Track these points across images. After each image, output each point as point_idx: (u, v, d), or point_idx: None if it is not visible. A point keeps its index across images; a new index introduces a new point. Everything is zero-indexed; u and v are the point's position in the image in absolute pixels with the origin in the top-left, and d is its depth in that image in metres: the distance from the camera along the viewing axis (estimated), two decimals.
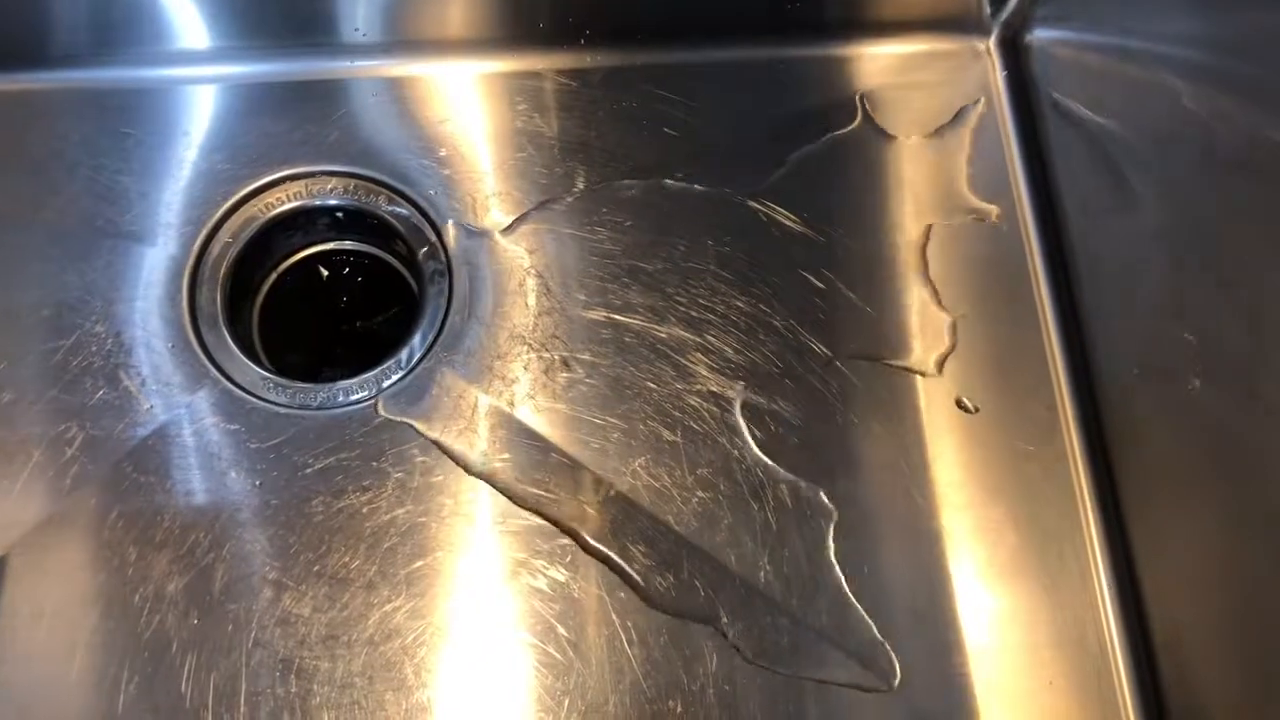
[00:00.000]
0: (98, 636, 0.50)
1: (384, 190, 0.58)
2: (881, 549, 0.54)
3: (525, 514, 0.53)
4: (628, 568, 0.52)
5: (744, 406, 0.55)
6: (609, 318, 0.56)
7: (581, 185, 0.59)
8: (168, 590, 0.51)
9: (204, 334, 0.55)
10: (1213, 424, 0.48)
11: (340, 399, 0.54)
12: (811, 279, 0.58)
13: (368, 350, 0.61)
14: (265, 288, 0.60)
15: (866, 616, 0.52)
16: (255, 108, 0.59)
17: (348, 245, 0.60)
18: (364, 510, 0.52)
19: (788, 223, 0.59)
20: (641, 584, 0.52)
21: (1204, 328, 0.49)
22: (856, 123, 0.61)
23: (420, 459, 0.53)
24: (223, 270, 0.56)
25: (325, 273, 0.61)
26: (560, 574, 0.52)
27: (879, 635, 0.52)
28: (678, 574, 0.52)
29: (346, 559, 0.52)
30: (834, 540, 0.53)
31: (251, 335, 0.59)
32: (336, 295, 0.62)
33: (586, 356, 0.56)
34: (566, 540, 0.52)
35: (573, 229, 0.58)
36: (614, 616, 0.51)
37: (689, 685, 0.51)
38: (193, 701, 0.49)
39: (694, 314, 0.57)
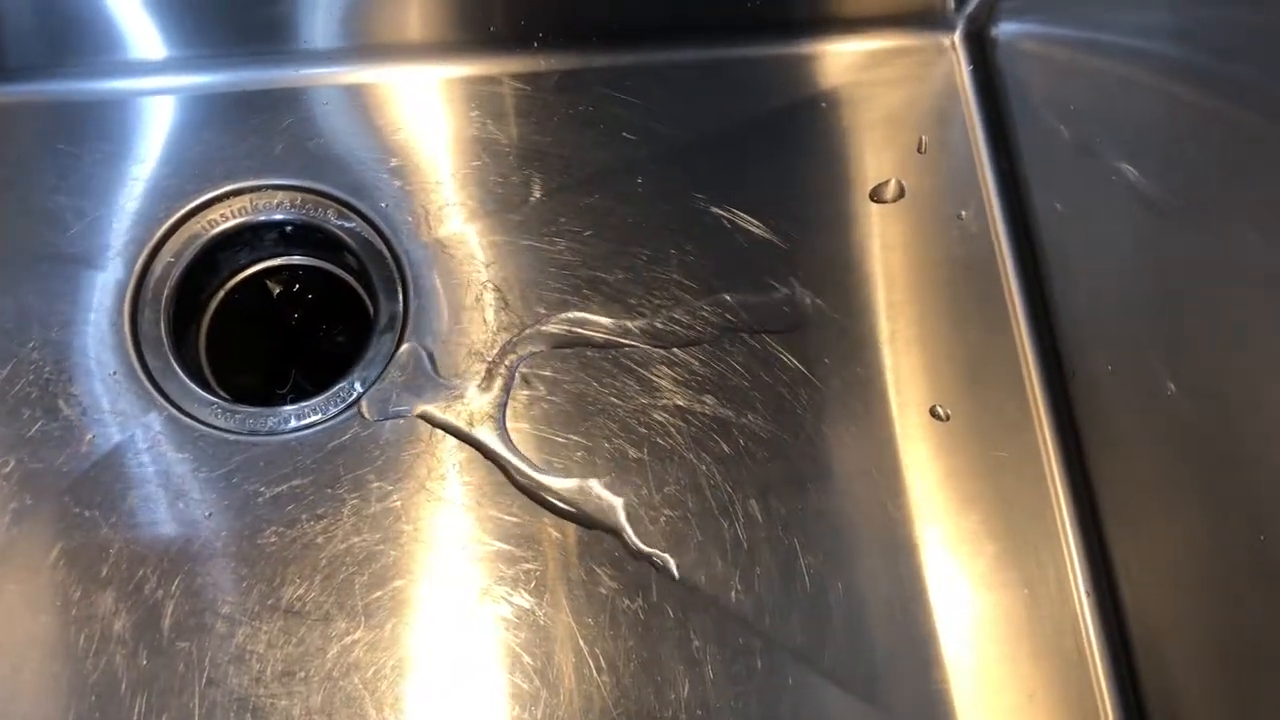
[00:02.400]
0: (41, 680, 0.47)
1: (333, 203, 0.56)
2: (856, 563, 0.52)
3: (487, 539, 0.51)
4: (595, 592, 0.50)
5: (712, 420, 0.54)
6: (570, 331, 0.55)
7: (539, 194, 0.57)
8: (114, 629, 0.48)
9: (148, 359, 0.53)
10: (1188, 426, 0.47)
11: (292, 424, 0.52)
12: (779, 287, 0.56)
13: (321, 369, 0.59)
14: (211, 308, 0.58)
15: (842, 634, 0.51)
16: (198, 120, 0.57)
17: (297, 260, 0.58)
18: (319, 539, 0.50)
19: (752, 229, 0.57)
20: (609, 608, 0.50)
21: (1177, 328, 0.48)
22: (820, 123, 0.60)
23: (376, 484, 0.51)
24: (166, 291, 0.54)
25: (275, 289, 0.59)
26: (525, 600, 0.50)
27: (856, 653, 0.50)
28: (646, 597, 0.51)
29: (302, 591, 0.50)
30: (806, 556, 0.52)
31: (199, 358, 0.56)
32: (287, 313, 0.60)
33: (547, 373, 0.54)
34: (531, 565, 0.51)
35: (531, 239, 0.56)
36: (581, 643, 0.50)
37: (660, 713, 0.49)
38: None
39: (658, 325, 0.55)
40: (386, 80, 0.59)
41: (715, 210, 0.57)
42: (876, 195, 0.58)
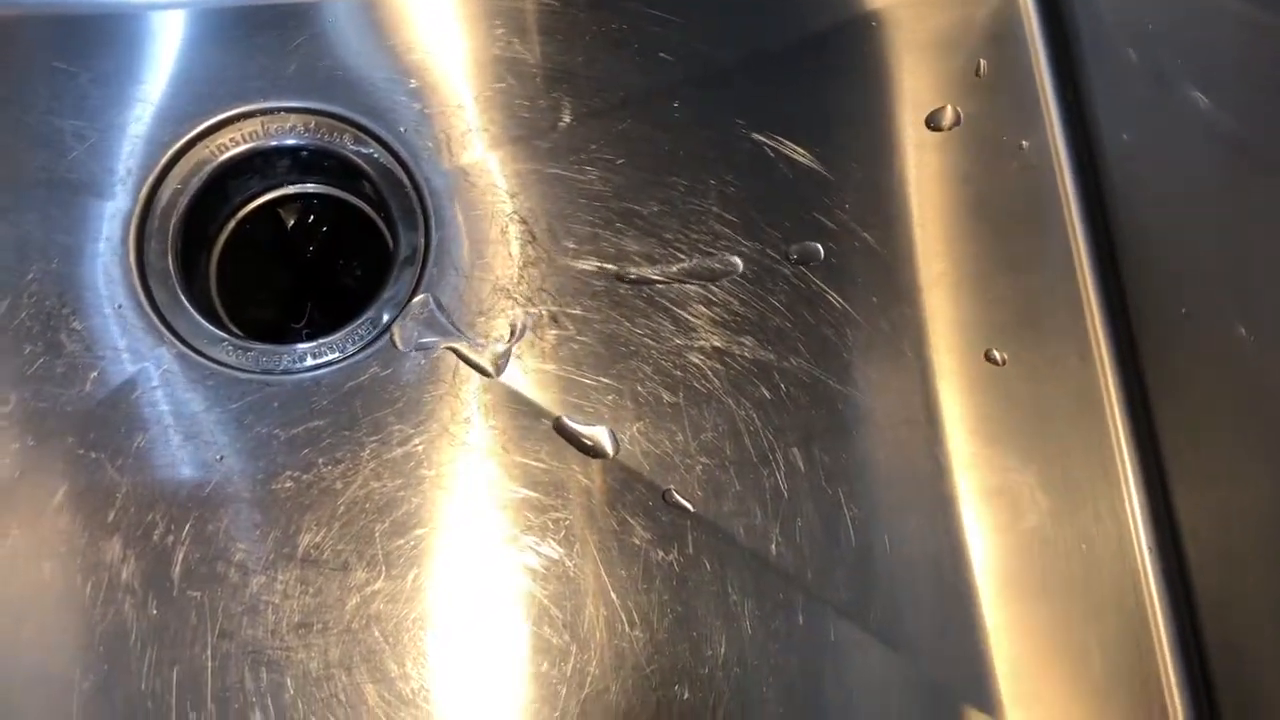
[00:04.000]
0: (47, 631, 0.45)
1: (349, 127, 0.52)
2: (903, 516, 0.49)
3: (513, 485, 0.48)
4: (627, 542, 0.48)
5: (751, 363, 0.50)
6: (601, 267, 0.51)
7: (568, 119, 0.53)
8: (123, 577, 0.46)
9: (155, 292, 0.50)
10: (1261, 373, 0.44)
11: (307, 362, 0.49)
12: (824, 220, 0.52)
13: (337, 304, 0.56)
14: (222, 239, 0.54)
15: (886, 590, 0.48)
16: (203, 37, 0.53)
17: (311, 189, 0.54)
18: (337, 485, 0.48)
19: (796, 158, 0.53)
20: (641, 560, 0.48)
21: (1251, 271, 0.44)
22: (870, 44, 0.55)
23: (396, 427, 0.49)
24: (173, 220, 0.51)
25: (288, 220, 0.56)
26: (553, 550, 0.48)
27: (901, 610, 0.48)
28: (681, 548, 0.48)
29: (319, 539, 0.47)
30: (850, 507, 0.49)
31: (209, 291, 0.53)
32: (301, 244, 0.57)
33: (577, 311, 0.50)
34: (559, 514, 0.48)
35: (559, 168, 0.52)
36: (613, 596, 0.47)
37: (696, 669, 0.47)
38: (155, 700, 0.45)
39: (695, 261, 0.52)
40: None
41: (757, 137, 0.54)
42: (931, 122, 0.54)
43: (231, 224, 0.55)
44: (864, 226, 0.53)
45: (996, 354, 0.51)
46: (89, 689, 0.45)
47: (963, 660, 0.48)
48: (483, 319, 0.50)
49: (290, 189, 0.55)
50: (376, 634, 0.46)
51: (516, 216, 0.52)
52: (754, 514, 0.49)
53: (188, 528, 0.47)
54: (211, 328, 0.49)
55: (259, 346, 0.49)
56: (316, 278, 0.58)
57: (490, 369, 0.49)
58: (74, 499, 0.47)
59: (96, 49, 0.52)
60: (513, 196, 0.52)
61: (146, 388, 0.48)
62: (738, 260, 0.52)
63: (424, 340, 0.49)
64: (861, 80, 0.55)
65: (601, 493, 0.48)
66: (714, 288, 0.51)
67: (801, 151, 0.53)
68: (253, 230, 0.55)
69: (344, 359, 0.49)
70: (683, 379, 0.50)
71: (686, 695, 0.46)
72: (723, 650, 0.47)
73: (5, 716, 0.44)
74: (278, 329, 0.57)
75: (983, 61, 0.55)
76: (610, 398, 0.50)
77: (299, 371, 0.49)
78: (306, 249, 0.57)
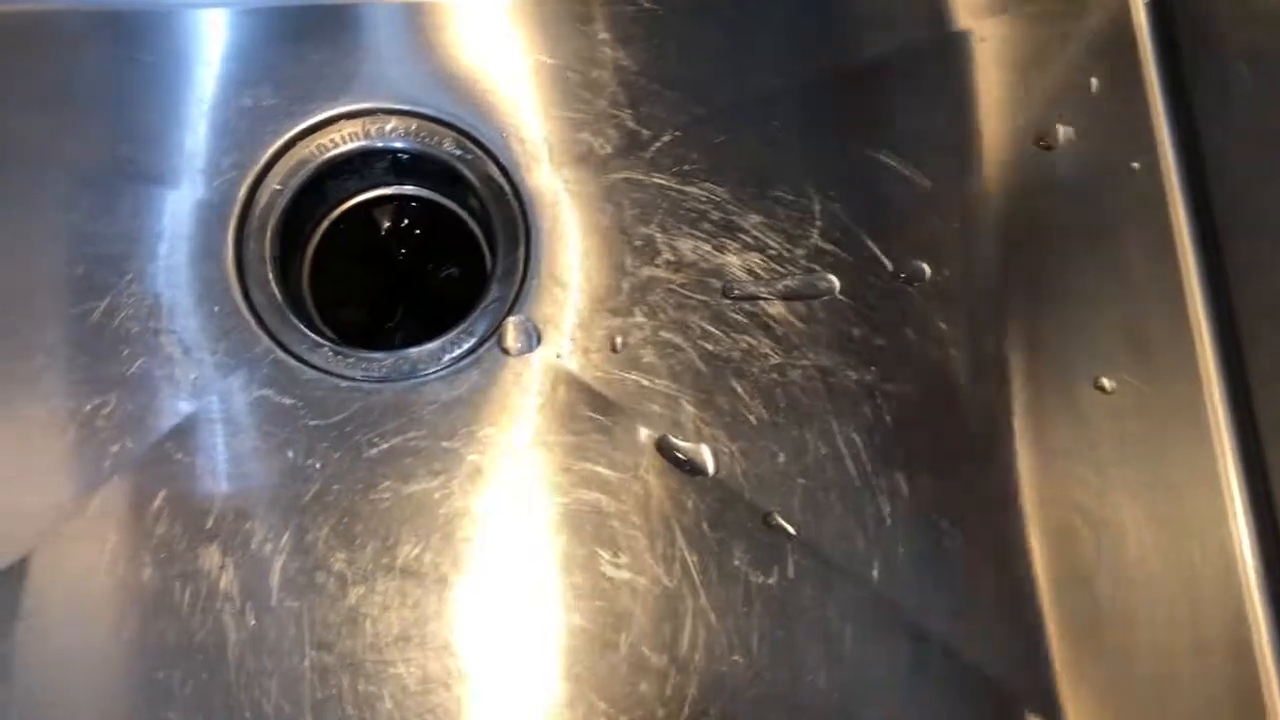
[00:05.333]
0: (146, 638, 0.45)
1: (451, 131, 0.51)
2: (1006, 544, 0.48)
3: (614, 503, 0.47)
4: (728, 565, 0.47)
5: (855, 382, 0.49)
6: (703, 282, 0.50)
7: (671, 130, 0.52)
8: (221, 586, 0.46)
9: (253, 294, 0.49)
10: None
11: (406, 370, 0.49)
12: (930, 237, 0.51)
13: (430, 309, 0.55)
14: (316, 239, 0.54)
15: (993, 621, 0.47)
16: (303, 33, 0.52)
17: (409, 191, 0.54)
18: (436, 496, 0.47)
19: (902, 173, 0.52)
20: (742, 583, 0.47)
21: None
22: (977, 57, 0.54)
23: (496, 439, 0.48)
24: (272, 221, 0.50)
25: (384, 222, 0.55)
26: (654, 571, 0.47)
27: (1009, 642, 0.47)
28: (782, 572, 0.47)
29: (418, 550, 0.47)
30: (955, 535, 0.48)
31: (302, 294, 0.53)
32: (394, 247, 0.56)
33: (678, 326, 0.50)
34: (660, 535, 0.47)
35: (661, 179, 0.51)
36: (713, 618, 0.46)
37: (796, 698, 0.46)
38: (253, 709, 0.44)
39: (798, 276, 0.51)
40: None
41: (860, 152, 0.53)
42: (1040, 140, 0.53)
43: (325, 225, 0.54)
44: (970, 246, 0.52)
45: (1105, 381, 0.50)
46: (189, 696, 0.44)
47: (1063, 691, 0.47)
48: (582, 332, 0.49)
49: (386, 190, 0.54)
50: (476, 649, 0.46)
51: (617, 228, 0.51)
52: (855, 538, 0.48)
53: (286, 536, 0.46)
54: (310, 333, 0.49)
55: (357, 353, 0.49)
56: (408, 281, 0.57)
57: (590, 383, 0.49)
58: (172, 505, 0.46)
59: (194, 44, 0.51)
60: (614, 208, 0.51)
61: (245, 392, 0.48)
62: (841, 278, 0.51)
63: (523, 352, 0.49)
64: (969, 96, 0.54)
65: (701, 513, 0.48)
66: (817, 305, 0.50)
67: (906, 167, 0.52)
68: (347, 231, 0.54)
69: (442, 369, 0.49)
70: (784, 398, 0.49)
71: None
72: (823, 678, 0.46)
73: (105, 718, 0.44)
74: (369, 331, 0.56)
75: (1094, 80, 0.54)
76: (710, 415, 0.49)
77: (398, 379, 0.48)
78: (399, 251, 0.56)
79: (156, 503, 0.46)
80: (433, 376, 0.49)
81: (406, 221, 0.55)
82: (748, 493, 0.48)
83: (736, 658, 0.46)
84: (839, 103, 0.53)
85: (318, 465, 0.47)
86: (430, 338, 0.50)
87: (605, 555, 0.47)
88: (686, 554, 0.47)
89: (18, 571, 0.45)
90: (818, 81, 0.53)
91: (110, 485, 0.46)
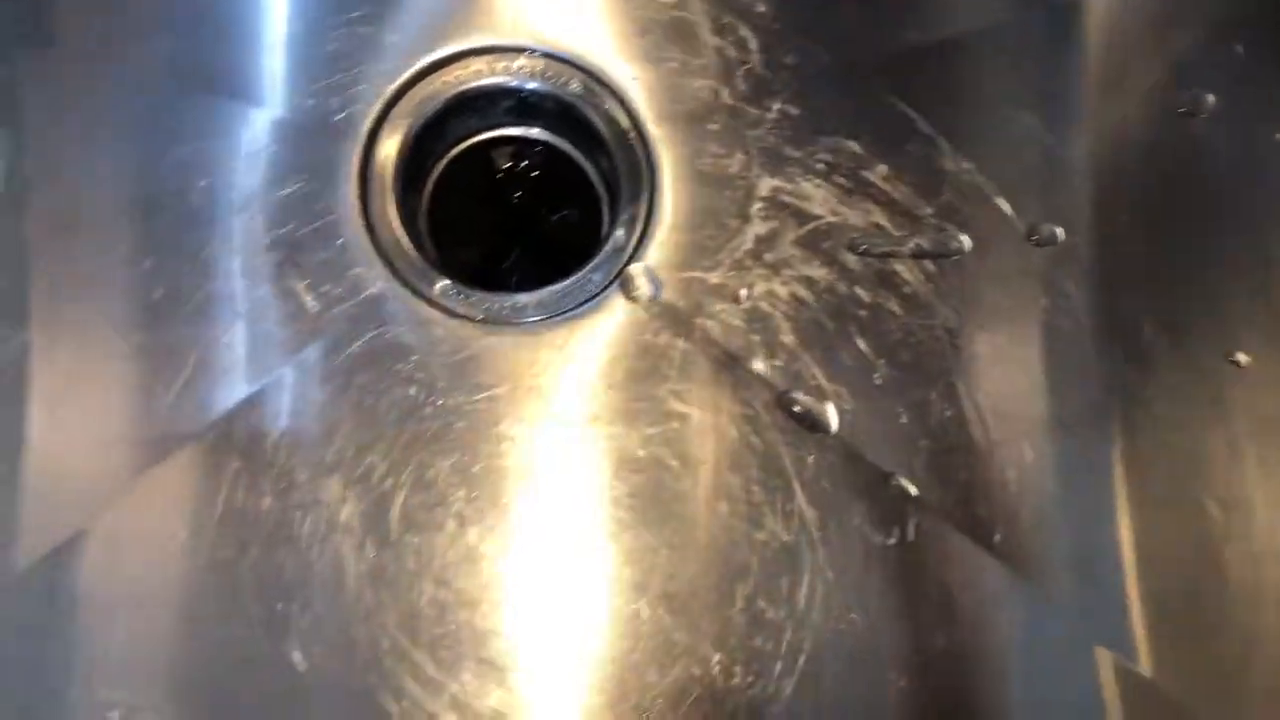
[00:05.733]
0: (265, 567, 0.45)
1: (579, 72, 0.50)
2: (1135, 518, 0.47)
3: (733, 457, 0.47)
4: (848, 524, 0.46)
5: (985, 346, 0.48)
6: (830, 238, 0.49)
7: (804, 82, 0.51)
8: (340, 518, 0.45)
9: (377, 231, 0.49)
10: None
11: (529, 314, 0.48)
12: (1064, 201, 0.50)
13: (544, 253, 0.54)
14: (434, 177, 0.53)
15: (1120, 594, 0.46)
16: None
17: (532, 133, 0.53)
18: (555, 440, 0.47)
19: (1036, 134, 0.51)
20: (862, 543, 0.46)
21: None
22: (1120, 20, 0.53)
23: (615, 386, 0.47)
24: (395, 156, 0.50)
25: (501, 163, 0.54)
26: (773, 527, 0.46)
27: (1135, 617, 0.46)
28: (902, 534, 0.47)
29: (537, 493, 0.46)
30: (1082, 505, 0.47)
31: (420, 233, 0.52)
32: (509, 189, 0.55)
33: (804, 282, 0.49)
34: (779, 491, 0.47)
35: (791, 129, 0.50)
36: (830, 575, 0.46)
37: (913, 658, 0.46)
38: (370, 642, 0.44)
39: (928, 237, 0.49)
40: None
41: (994, 111, 0.51)
42: (1180, 106, 0.51)
43: (443, 163, 0.53)
44: (1104, 211, 0.50)
45: (1239, 356, 0.49)
46: (306, 626, 0.44)
47: (1185, 668, 0.46)
48: (704, 283, 0.49)
49: (507, 130, 0.53)
50: (592, 596, 0.45)
51: (742, 178, 0.50)
52: (978, 503, 0.47)
53: (406, 472, 0.46)
54: (433, 271, 0.48)
55: (480, 293, 0.48)
56: (523, 224, 0.57)
57: (712, 334, 0.48)
58: (292, 436, 0.46)
59: None
60: (742, 157, 0.50)
61: (368, 328, 0.47)
62: (972, 237, 0.50)
63: (645, 300, 0.48)
64: (1110, 57, 0.52)
65: (822, 469, 0.47)
66: (946, 264, 0.49)
67: (1042, 129, 0.51)
68: (463, 171, 0.54)
69: (564, 313, 0.48)
70: (911, 358, 0.48)
71: (903, 684, 0.45)
72: (941, 640, 0.46)
73: (224, 648, 0.44)
74: (484, 273, 0.56)
75: (1239, 46, 0.52)
76: (833, 371, 0.48)
77: (520, 323, 0.48)
78: (514, 194, 0.55)
79: (276, 434, 0.46)
80: (554, 320, 0.48)
81: (524, 163, 0.54)
82: (869, 453, 0.47)
83: (854, 615, 0.46)
84: (975, 61, 0.52)
85: (439, 402, 0.47)
86: (545, 281, 0.49)
87: (723, 507, 0.46)
88: (805, 510, 0.47)
89: (144, 491, 0.45)
90: (954, 39, 0.52)
91: (233, 412, 0.46)
